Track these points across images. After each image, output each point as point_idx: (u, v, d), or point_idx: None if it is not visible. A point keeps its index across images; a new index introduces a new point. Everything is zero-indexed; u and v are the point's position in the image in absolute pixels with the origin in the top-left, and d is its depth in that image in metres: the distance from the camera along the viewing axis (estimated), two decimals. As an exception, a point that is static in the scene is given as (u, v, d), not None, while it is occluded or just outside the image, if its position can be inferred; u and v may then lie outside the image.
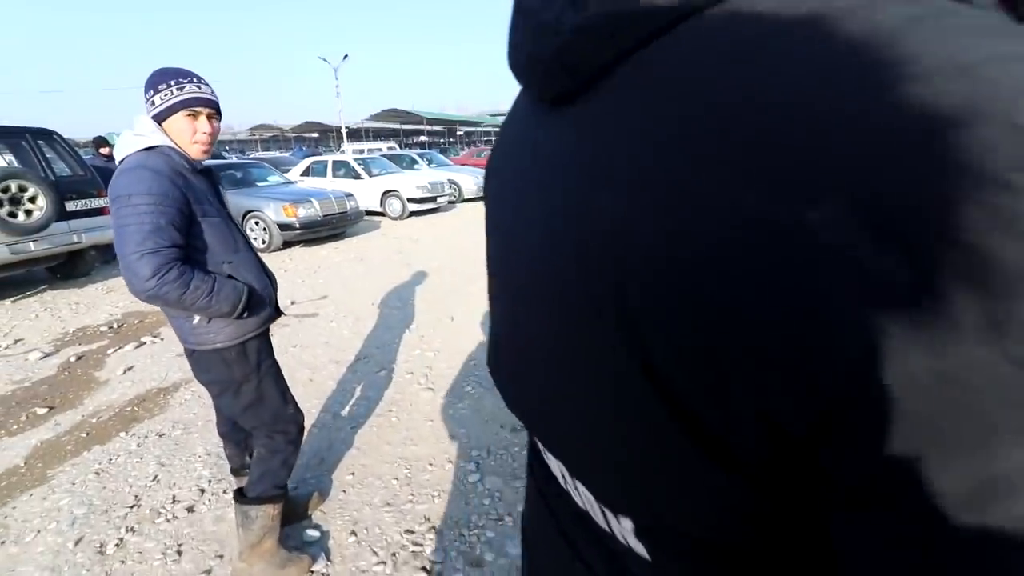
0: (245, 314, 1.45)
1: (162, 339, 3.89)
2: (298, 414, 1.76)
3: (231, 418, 1.75)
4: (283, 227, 6.87)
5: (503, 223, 0.41)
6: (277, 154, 18.02)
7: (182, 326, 1.46)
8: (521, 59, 0.31)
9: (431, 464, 2.24)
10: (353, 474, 2.18)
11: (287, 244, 7.19)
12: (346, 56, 26.04)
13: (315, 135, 49.30)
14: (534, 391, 0.37)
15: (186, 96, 1.34)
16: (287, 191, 7.63)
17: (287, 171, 10.25)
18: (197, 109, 1.36)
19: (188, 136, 1.37)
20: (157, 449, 2.44)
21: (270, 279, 1.59)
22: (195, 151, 1.40)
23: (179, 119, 1.35)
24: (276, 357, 1.69)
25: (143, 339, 3.91)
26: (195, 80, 1.37)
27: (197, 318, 1.42)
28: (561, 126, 0.30)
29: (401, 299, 4.66)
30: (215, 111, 1.41)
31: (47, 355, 3.69)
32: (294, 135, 48.65)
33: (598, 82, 0.27)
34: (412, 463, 2.25)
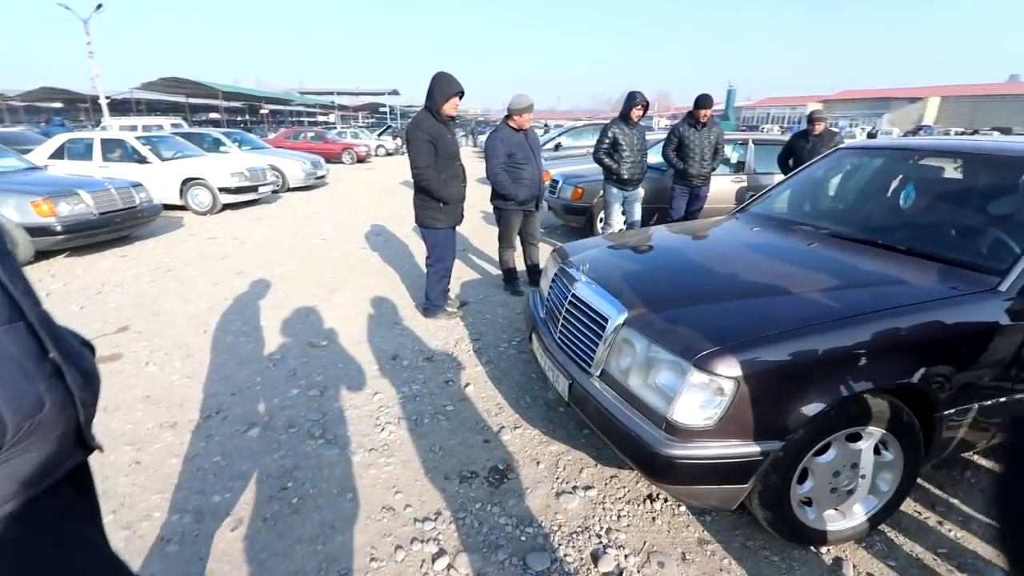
0: None
1: None
2: None
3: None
4: (35, 231, 4.89)
5: None
6: (9, 128, 13.06)
7: None
8: None
9: (374, 558, 1.65)
10: (260, 608, 1.48)
11: (43, 255, 5.17)
12: (100, 6, 20.30)
13: (58, 105, 37.90)
14: None
15: None
16: (36, 180, 5.46)
17: (28, 152, 7.44)
18: None
19: None
20: None
21: (67, 379, 0.76)
22: None
23: None
24: None
25: None
26: None
27: None
28: None
29: (246, 321, 3.64)
30: None
31: None
32: (24, 104, 36.59)
33: None
34: (347, 564, 1.63)
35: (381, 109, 48.33)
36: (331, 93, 46.50)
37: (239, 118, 41.57)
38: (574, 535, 1.77)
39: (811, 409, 1.49)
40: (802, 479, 1.64)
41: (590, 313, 1.96)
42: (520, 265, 4.36)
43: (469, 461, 2.15)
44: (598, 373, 1.87)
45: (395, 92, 43.19)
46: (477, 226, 6.82)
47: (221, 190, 7.85)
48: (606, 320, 1.85)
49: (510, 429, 2.37)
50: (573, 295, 2.11)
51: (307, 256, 5.43)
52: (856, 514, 1.74)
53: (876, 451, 1.68)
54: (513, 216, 3.98)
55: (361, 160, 17.79)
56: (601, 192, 5.55)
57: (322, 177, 11.36)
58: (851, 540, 1.75)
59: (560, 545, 1.72)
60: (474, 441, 2.29)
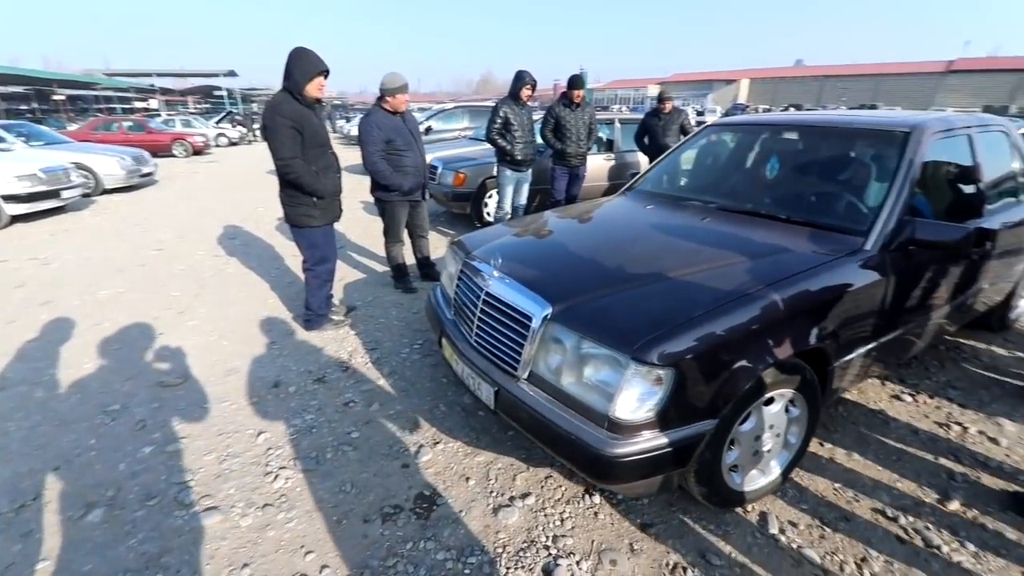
0: None
1: None
2: None
3: None
4: None
5: None
6: None
7: None
8: None
9: (291, 649, 1.34)
10: None
11: None
12: None
13: None
14: None
15: None
16: None
17: None
18: None
19: None
20: None
21: None
22: None
23: None
24: None
25: None
26: None
27: None
28: None
29: (62, 366, 2.85)
30: None
31: None
32: None
33: None
34: (254, 667, 1.29)
35: (216, 93, 42.31)
36: (149, 75, 39.34)
37: (23, 107, 33.37)
38: (521, 553, 1.63)
39: (740, 382, 1.52)
40: (728, 448, 1.69)
41: (509, 312, 1.80)
42: (410, 259, 4.05)
43: (389, 494, 1.88)
44: (526, 375, 1.73)
45: (232, 73, 38.02)
46: (352, 219, 6.25)
47: (6, 199, 6.15)
48: (529, 318, 1.71)
49: (430, 446, 2.14)
50: (487, 293, 1.93)
51: (141, 272, 4.46)
52: (773, 469, 1.85)
53: (785, 409, 1.79)
54: (398, 208, 3.65)
55: (198, 152, 15.40)
56: (484, 176, 5.44)
57: (149, 174, 9.55)
58: (770, 494, 1.87)
59: (509, 569, 1.57)
60: (391, 469, 2.02)
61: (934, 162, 2.26)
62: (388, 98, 3.37)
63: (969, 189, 2.41)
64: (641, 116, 6.34)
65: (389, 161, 3.43)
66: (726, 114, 29.86)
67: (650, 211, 2.55)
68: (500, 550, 1.65)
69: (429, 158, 5.97)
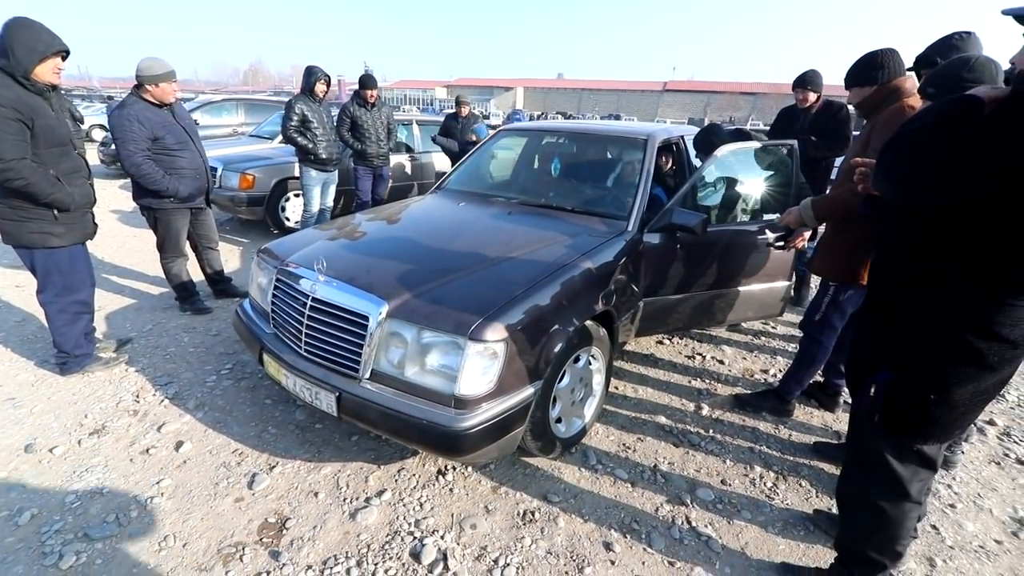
0: None
1: None
2: None
3: None
4: None
5: None
6: None
7: None
8: None
9: None
10: None
11: None
12: None
13: None
14: None
15: None
16: None
17: None
18: None
19: None
20: None
21: None
22: None
23: None
24: None
25: None
26: None
27: None
28: None
29: None
30: None
31: None
32: None
33: None
34: None
35: None
36: None
37: None
38: (387, 546, 1.67)
39: (555, 346, 1.82)
40: (552, 404, 2.00)
41: (343, 315, 1.79)
42: (196, 275, 3.52)
43: (226, 533, 1.69)
44: (367, 375, 1.75)
45: None
46: (101, 232, 5.02)
47: None
48: (366, 318, 1.73)
49: (265, 472, 1.98)
50: (314, 299, 1.87)
51: None
52: (587, 414, 2.25)
53: (588, 363, 2.19)
54: (176, 217, 3.13)
55: None
56: (279, 177, 4.98)
57: None
58: (587, 433, 2.27)
59: (377, 564, 1.60)
60: (222, 507, 1.80)
61: (658, 163, 2.99)
62: (150, 87, 2.86)
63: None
64: (432, 117, 6.61)
65: (159, 163, 2.93)
66: (507, 119, 32.63)
67: (463, 208, 2.76)
68: (365, 550, 1.65)
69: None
